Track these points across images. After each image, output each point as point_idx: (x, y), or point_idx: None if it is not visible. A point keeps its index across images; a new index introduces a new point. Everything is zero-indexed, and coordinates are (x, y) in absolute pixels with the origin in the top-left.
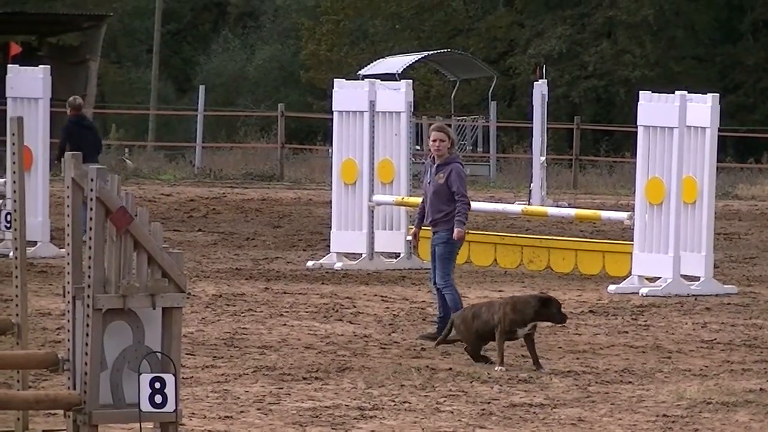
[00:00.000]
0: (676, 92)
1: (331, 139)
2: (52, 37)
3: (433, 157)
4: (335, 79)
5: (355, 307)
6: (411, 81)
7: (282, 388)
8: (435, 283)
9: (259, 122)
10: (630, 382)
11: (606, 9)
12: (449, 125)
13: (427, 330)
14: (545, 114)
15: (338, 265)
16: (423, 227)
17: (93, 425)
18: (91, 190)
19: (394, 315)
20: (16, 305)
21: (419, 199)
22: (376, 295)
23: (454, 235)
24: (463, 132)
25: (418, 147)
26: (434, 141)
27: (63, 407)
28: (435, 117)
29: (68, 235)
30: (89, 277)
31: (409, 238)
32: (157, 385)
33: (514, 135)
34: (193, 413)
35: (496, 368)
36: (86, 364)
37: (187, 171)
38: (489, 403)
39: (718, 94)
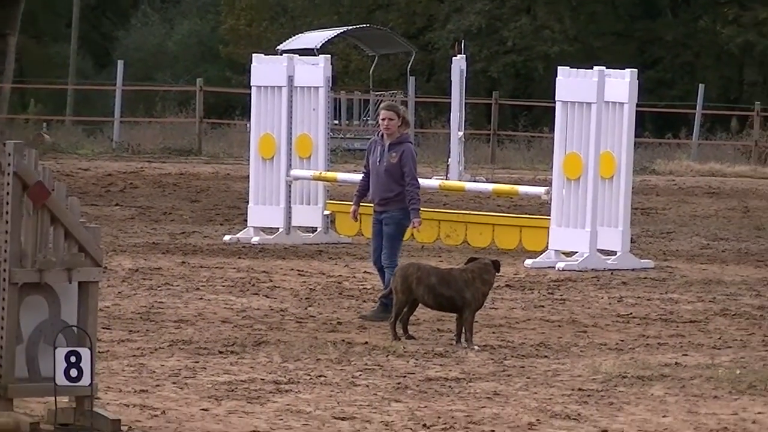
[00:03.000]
0: (595, 68)
1: (249, 113)
2: None
3: (383, 135)
4: (254, 54)
5: (271, 281)
6: (329, 56)
7: (198, 362)
8: (376, 262)
9: (177, 97)
10: (546, 356)
11: None
12: (367, 101)
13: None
14: (464, 89)
15: (255, 240)
16: (363, 204)
17: (8, 399)
18: (9, 164)
19: (310, 289)
20: None
21: (336, 174)
22: (292, 270)
23: (414, 224)
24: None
25: (336, 122)
26: (383, 120)
27: None
28: (353, 92)
29: None
30: (5, 251)
31: (327, 212)
32: (73, 359)
33: (432, 110)
34: (108, 387)
35: (475, 348)
36: (2, 338)
37: (106, 146)
38: (404, 377)
39: (636, 70)
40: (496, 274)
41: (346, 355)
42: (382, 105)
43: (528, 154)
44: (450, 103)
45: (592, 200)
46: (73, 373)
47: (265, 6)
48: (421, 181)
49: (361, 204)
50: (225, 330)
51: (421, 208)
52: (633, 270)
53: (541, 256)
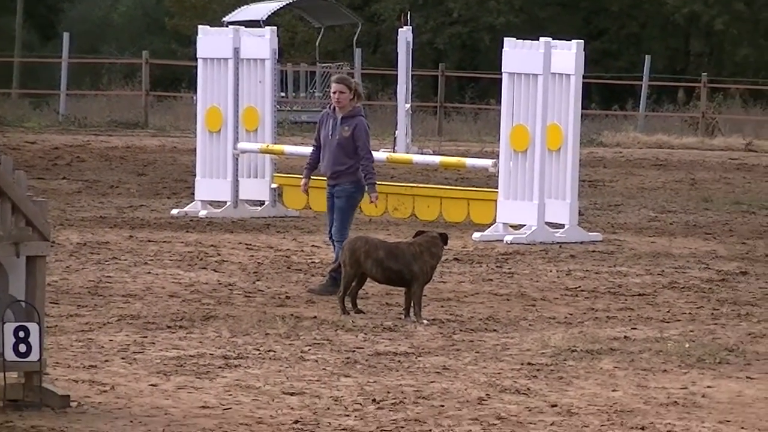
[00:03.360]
0: (541, 39)
1: (195, 86)
2: None
3: (334, 108)
4: (199, 26)
5: (219, 255)
6: (276, 28)
7: (146, 337)
8: (332, 236)
9: (123, 69)
10: (495, 330)
11: None
12: (313, 73)
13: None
14: (410, 61)
15: (203, 213)
16: (313, 177)
17: None
18: None
19: (258, 263)
20: None
21: (283, 147)
22: (240, 243)
23: (372, 199)
24: (327, 79)
25: (283, 94)
26: (335, 93)
27: None
28: (300, 64)
29: None
30: None
31: (275, 186)
32: (21, 334)
33: (379, 82)
34: (57, 362)
35: (424, 322)
36: None
37: (52, 119)
38: (353, 351)
39: (582, 41)
40: (444, 247)
41: (295, 329)
42: (333, 77)
43: (475, 126)
44: (396, 75)
45: (540, 173)
46: (22, 348)
47: None
48: None
49: (311, 177)
50: (173, 305)
51: None
52: (581, 243)
53: (489, 229)
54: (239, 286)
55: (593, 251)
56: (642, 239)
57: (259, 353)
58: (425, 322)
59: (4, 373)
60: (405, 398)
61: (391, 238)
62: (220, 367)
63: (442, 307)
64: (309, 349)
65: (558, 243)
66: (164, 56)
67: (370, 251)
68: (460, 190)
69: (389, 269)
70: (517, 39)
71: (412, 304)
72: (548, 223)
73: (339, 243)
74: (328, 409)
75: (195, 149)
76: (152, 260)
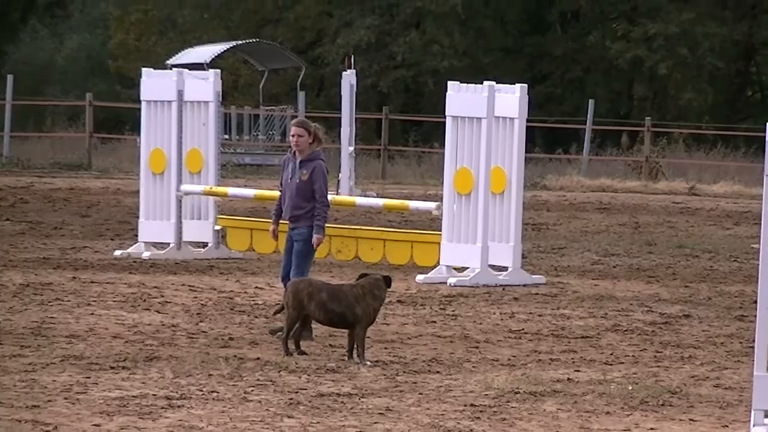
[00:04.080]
0: (485, 83)
1: (139, 128)
2: None
3: (295, 153)
4: (143, 68)
5: (162, 296)
6: (219, 70)
7: (89, 378)
8: (284, 278)
9: (67, 111)
10: (438, 372)
11: None
12: (257, 115)
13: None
14: (353, 104)
15: (146, 255)
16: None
17: None
18: None
19: (202, 305)
20: None
21: (227, 189)
22: (183, 285)
23: (314, 241)
24: (271, 122)
25: (227, 137)
26: (293, 136)
27: None
28: (244, 107)
29: None
30: None
31: (218, 227)
32: None
33: (323, 125)
34: (0, 402)
35: (367, 363)
36: None
37: None
38: (297, 392)
39: (526, 85)
40: (388, 289)
41: (238, 370)
42: (292, 121)
43: (419, 169)
44: (340, 118)
45: (483, 215)
46: None
47: (154, 20)
48: None
49: (279, 222)
50: (116, 345)
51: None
52: (524, 286)
53: (433, 271)
54: (182, 327)
55: (536, 294)
56: (585, 282)
57: (203, 394)
58: (368, 363)
59: None
60: None
61: (334, 280)
62: (163, 408)
63: (385, 348)
64: (252, 390)
65: (501, 285)
66: (108, 98)
67: (313, 293)
68: (404, 233)
69: (332, 311)
70: (461, 83)
71: (355, 346)
72: (492, 266)
73: None
74: None
75: (138, 191)
76: (96, 301)
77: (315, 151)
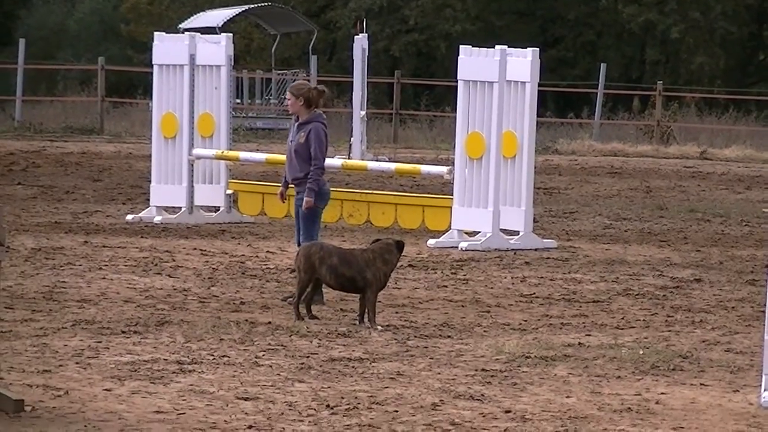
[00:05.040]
0: (497, 47)
1: (151, 92)
2: None
3: (297, 117)
4: (155, 33)
5: (174, 260)
6: (231, 34)
7: (101, 342)
8: (299, 243)
9: (79, 76)
10: (449, 336)
11: None
12: (269, 80)
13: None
14: (366, 68)
15: (158, 219)
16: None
17: None
18: None
19: (213, 269)
20: None
21: (239, 153)
22: (195, 249)
23: (303, 205)
24: (283, 86)
25: (239, 101)
26: (287, 101)
27: None
28: (255, 71)
29: None
30: None
31: (230, 192)
32: None
33: (334, 89)
34: (11, 367)
35: (378, 328)
36: None
37: (7, 125)
38: (308, 357)
39: (538, 49)
40: (400, 254)
41: (249, 335)
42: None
43: (430, 133)
44: (352, 82)
45: (495, 180)
46: None
47: None
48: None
49: (288, 186)
50: (128, 310)
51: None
52: (536, 250)
53: (444, 236)
54: (194, 292)
55: (548, 258)
56: (597, 246)
57: (214, 359)
58: (379, 328)
59: None
60: (359, 404)
61: (346, 245)
62: (174, 373)
63: (396, 313)
64: (263, 355)
65: (513, 250)
66: (120, 63)
67: (325, 257)
68: (416, 197)
69: (343, 276)
70: (473, 47)
71: (366, 311)
72: (503, 230)
73: None
74: (282, 414)
75: (150, 155)
76: (107, 266)
77: (315, 114)
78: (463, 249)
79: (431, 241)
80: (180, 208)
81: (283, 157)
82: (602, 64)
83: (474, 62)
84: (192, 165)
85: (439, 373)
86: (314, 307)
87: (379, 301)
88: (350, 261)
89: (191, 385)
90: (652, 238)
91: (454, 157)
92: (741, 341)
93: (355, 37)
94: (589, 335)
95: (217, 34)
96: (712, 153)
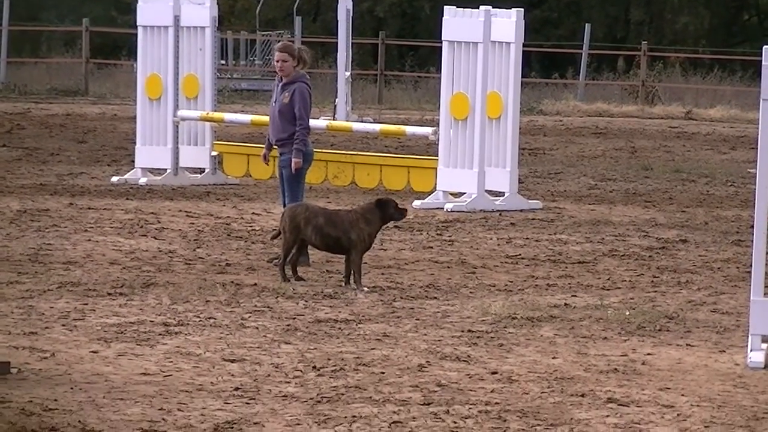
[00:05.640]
0: (481, 7)
1: (135, 54)
2: None
3: (281, 77)
4: None
5: (159, 222)
6: None
7: (87, 304)
8: (284, 205)
9: (63, 37)
10: (435, 298)
11: None
12: (254, 41)
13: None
14: (350, 29)
15: (143, 181)
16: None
17: None
18: None
19: (198, 231)
20: None
21: (224, 115)
22: (180, 211)
23: (292, 165)
24: (268, 47)
25: (223, 62)
26: (277, 61)
27: None
28: (240, 32)
29: None
30: None
31: (214, 153)
32: None
33: (319, 50)
34: None
35: (364, 289)
36: None
37: None
38: (294, 318)
39: (522, 9)
40: (384, 213)
41: (235, 296)
42: (276, 46)
43: (415, 94)
44: (336, 43)
45: (480, 141)
46: None
47: None
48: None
49: (272, 148)
50: (113, 272)
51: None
52: (521, 211)
53: (430, 197)
54: (179, 254)
55: (533, 219)
56: (582, 207)
57: (200, 320)
58: (365, 289)
59: None
60: (345, 365)
61: (331, 206)
62: (160, 334)
63: (382, 274)
64: (249, 317)
65: (498, 211)
66: (104, 24)
67: (310, 218)
68: (400, 158)
69: (328, 236)
70: (457, 7)
71: (352, 272)
72: (488, 191)
73: None
74: (269, 375)
75: (135, 117)
76: (92, 227)
77: (298, 74)
78: (449, 210)
79: (416, 203)
80: (165, 169)
81: (267, 119)
82: (587, 24)
83: (458, 23)
84: (177, 126)
85: (425, 335)
86: (300, 269)
87: (365, 263)
88: (335, 221)
89: (177, 346)
90: (638, 198)
91: (439, 118)
92: (727, 302)
93: None
94: (575, 296)
95: None
96: (697, 113)
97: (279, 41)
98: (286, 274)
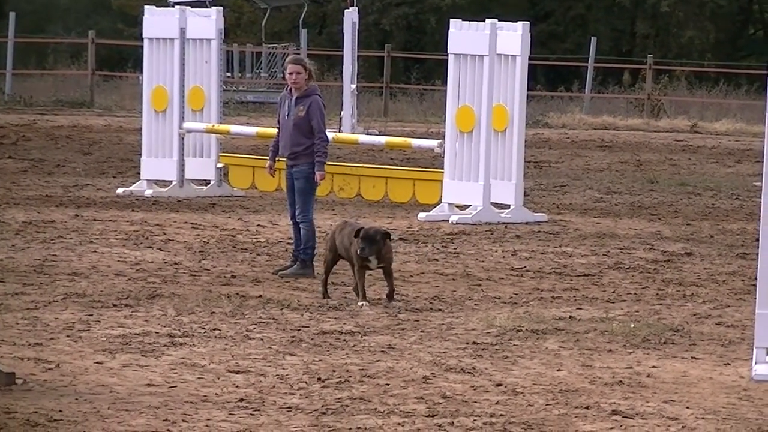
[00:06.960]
0: (487, 20)
1: (141, 66)
2: None
3: (291, 90)
4: (146, 6)
5: (165, 234)
6: (222, 8)
7: (92, 315)
8: (292, 217)
9: (69, 49)
10: (440, 310)
11: None
12: (259, 53)
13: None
14: (356, 41)
15: (148, 192)
16: (279, 159)
17: None
18: None
19: (204, 242)
20: None
21: (229, 127)
22: (186, 222)
23: (317, 177)
24: (273, 60)
25: (229, 74)
26: (291, 74)
27: None
28: (246, 44)
29: None
30: None
31: (220, 165)
32: None
33: (324, 63)
34: (2, 340)
35: (359, 303)
36: None
37: None
38: (299, 330)
39: (528, 22)
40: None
41: (241, 308)
42: (288, 59)
43: (421, 106)
44: (342, 55)
45: (485, 153)
46: None
47: None
48: None
49: (277, 159)
50: (119, 283)
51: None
52: (526, 223)
53: (435, 209)
54: (185, 265)
55: (538, 232)
56: (587, 220)
57: (205, 332)
58: (365, 304)
59: None
60: (350, 377)
61: (336, 218)
62: (165, 346)
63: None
64: (254, 328)
65: (503, 223)
66: (110, 36)
67: (343, 239)
68: (406, 170)
69: (345, 247)
70: (463, 20)
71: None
72: (494, 204)
73: (304, 224)
74: (274, 387)
75: (141, 129)
76: (98, 239)
77: (311, 87)
78: (454, 222)
79: (422, 215)
80: (171, 181)
81: (273, 131)
82: (592, 37)
83: (464, 36)
84: (182, 138)
85: (430, 347)
86: (305, 280)
87: (370, 274)
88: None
89: (182, 358)
90: (643, 211)
91: (444, 130)
92: (732, 315)
93: (346, 10)
94: (580, 309)
95: (207, 7)
96: (703, 126)
97: (285, 54)
98: (327, 291)
